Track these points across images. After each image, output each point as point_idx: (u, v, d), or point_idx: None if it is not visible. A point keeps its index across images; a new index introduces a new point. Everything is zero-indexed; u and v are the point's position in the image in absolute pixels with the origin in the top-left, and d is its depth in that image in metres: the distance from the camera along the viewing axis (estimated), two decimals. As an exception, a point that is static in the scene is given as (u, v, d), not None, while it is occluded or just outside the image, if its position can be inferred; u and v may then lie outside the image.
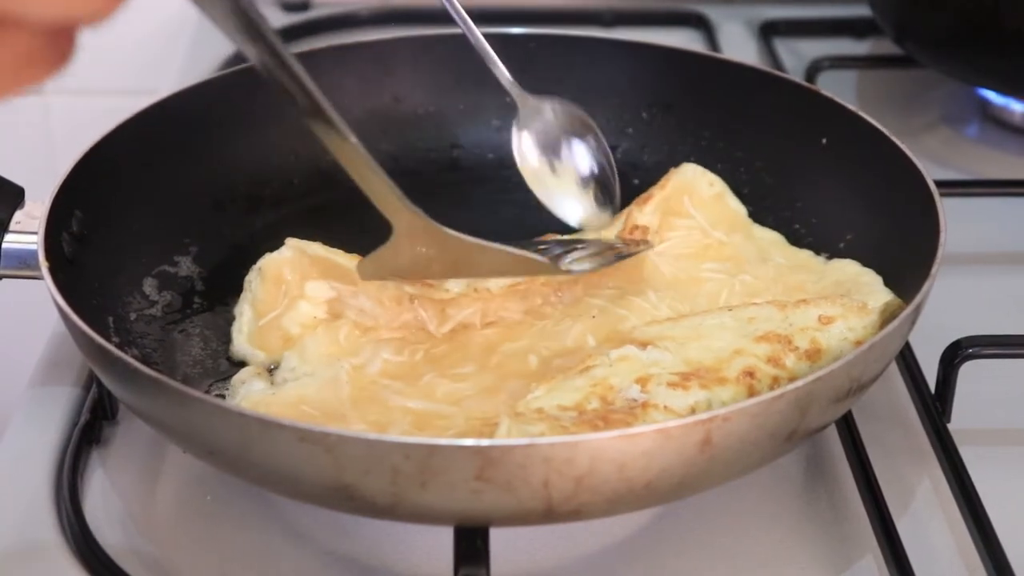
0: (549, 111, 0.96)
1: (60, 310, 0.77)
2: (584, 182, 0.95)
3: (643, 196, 0.95)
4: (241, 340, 0.86)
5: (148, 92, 1.00)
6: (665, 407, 0.75)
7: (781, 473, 0.83)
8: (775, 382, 0.78)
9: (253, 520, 0.80)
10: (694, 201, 0.95)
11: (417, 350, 0.84)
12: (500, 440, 0.67)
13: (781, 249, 0.95)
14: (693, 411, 0.75)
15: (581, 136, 0.96)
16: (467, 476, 0.67)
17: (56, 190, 0.86)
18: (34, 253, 0.81)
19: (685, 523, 0.80)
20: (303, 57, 1.04)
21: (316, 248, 0.88)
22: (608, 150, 0.96)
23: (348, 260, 0.87)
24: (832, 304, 0.83)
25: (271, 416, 0.69)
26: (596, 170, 0.95)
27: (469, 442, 0.67)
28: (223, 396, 0.83)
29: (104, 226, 0.89)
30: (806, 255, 0.94)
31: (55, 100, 1.43)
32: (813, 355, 0.80)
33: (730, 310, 0.84)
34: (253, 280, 0.89)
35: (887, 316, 0.82)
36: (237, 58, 1.25)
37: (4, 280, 0.85)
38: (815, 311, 0.83)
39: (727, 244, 0.93)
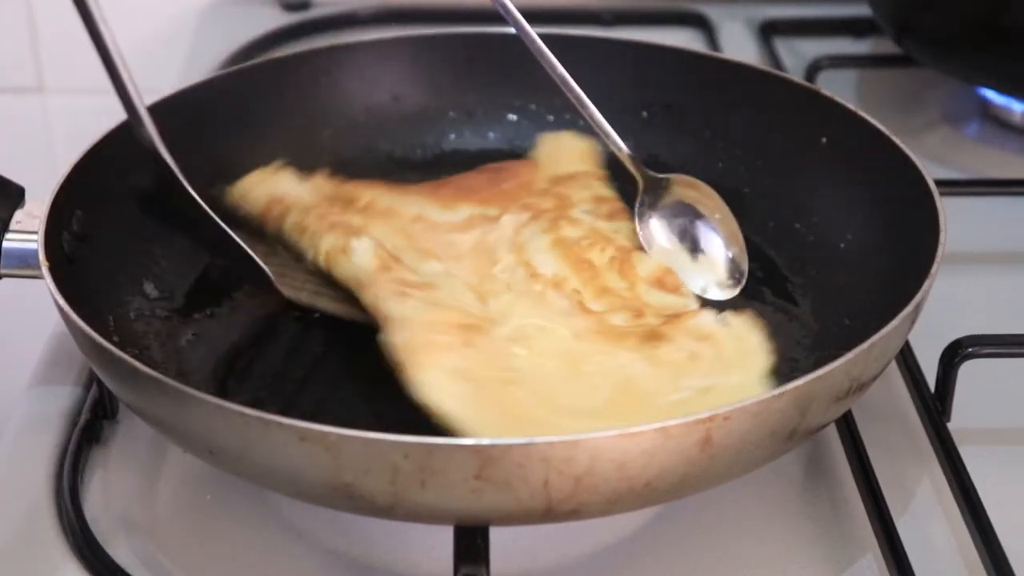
0: (672, 189, 0.95)
1: (60, 309, 0.77)
2: (714, 260, 0.93)
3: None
4: None
5: (149, 91, 1.00)
6: None
7: (781, 473, 0.83)
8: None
9: (253, 520, 0.81)
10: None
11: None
12: (499, 439, 0.67)
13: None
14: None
15: (707, 215, 0.94)
16: (466, 475, 0.67)
17: (56, 189, 0.86)
18: (34, 252, 0.81)
19: (685, 523, 0.80)
20: (303, 57, 1.05)
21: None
22: (734, 220, 0.94)
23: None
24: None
25: (271, 415, 0.69)
26: (727, 250, 0.93)
27: (468, 441, 0.67)
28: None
29: (105, 225, 0.89)
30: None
31: (55, 99, 1.43)
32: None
33: None
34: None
35: None
36: (238, 57, 1.26)
37: (4, 280, 0.85)
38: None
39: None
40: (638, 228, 0.94)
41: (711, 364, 0.81)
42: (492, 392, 0.78)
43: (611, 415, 0.78)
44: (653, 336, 0.83)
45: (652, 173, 0.95)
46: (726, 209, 0.94)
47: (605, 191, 0.98)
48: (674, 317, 0.84)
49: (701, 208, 0.94)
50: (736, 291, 0.92)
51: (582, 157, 1.01)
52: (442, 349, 0.79)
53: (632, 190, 0.98)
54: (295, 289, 0.89)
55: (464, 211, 0.96)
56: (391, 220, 0.95)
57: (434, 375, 0.78)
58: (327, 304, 0.89)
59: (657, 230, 0.94)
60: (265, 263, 0.88)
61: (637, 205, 0.95)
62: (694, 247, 0.93)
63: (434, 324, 0.81)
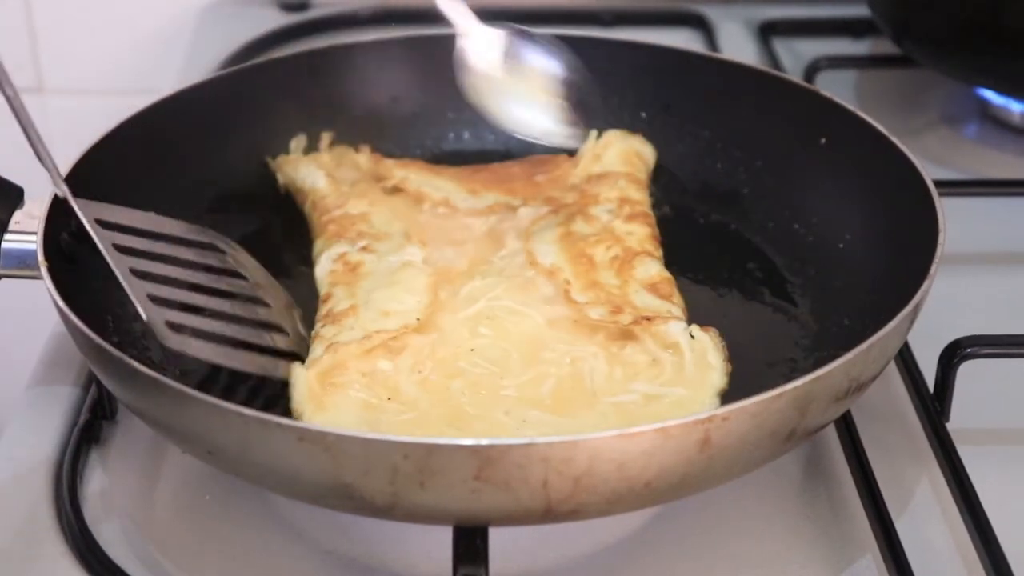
0: (501, 29, 0.90)
1: (60, 310, 0.77)
2: (553, 88, 0.88)
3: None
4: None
5: (148, 92, 1.00)
6: None
7: (781, 473, 0.83)
8: None
9: (253, 520, 0.81)
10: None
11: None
12: (499, 440, 0.67)
13: None
14: None
15: (547, 45, 0.90)
16: (466, 476, 0.67)
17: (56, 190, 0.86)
18: (33, 253, 0.81)
19: (684, 523, 0.80)
20: (303, 57, 1.05)
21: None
22: (583, 67, 0.89)
23: None
24: None
25: (270, 416, 0.69)
26: (568, 74, 0.88)
27: (468, 442, 0.67)
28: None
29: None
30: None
31: (54, 100, 1.43)
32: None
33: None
34: None
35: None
36: (237, 58, 1.25)
37: (4, 280, 0.85)
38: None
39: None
40: (457, 72, 0.90)
41: (668, 373, 0.82)
42: (404, 404, 0.79)
43: (550, 407, 0.79)
44: (623, 335, 0.84)
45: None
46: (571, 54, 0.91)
47: (635, 193, 0.98)
48: (646, 319, 0.84)
49: (532, 38, 0.91)
50: (591, 135, 0.91)
51: (624, 157, 1.01)
52: (336, 392, 0.79)
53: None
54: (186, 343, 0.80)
55: (489, 198, 0.98)
56: (404, 203, 0.97)
57: (325, 420, 0.78)
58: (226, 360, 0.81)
59: (481, 53, 0.90)
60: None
61: (456, 52, 0.91)
62: (525, 71, 0.89)
63: (328, 371, 0.80)
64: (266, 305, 0.86)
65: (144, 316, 0.78)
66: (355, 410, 0.78)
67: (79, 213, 0.82)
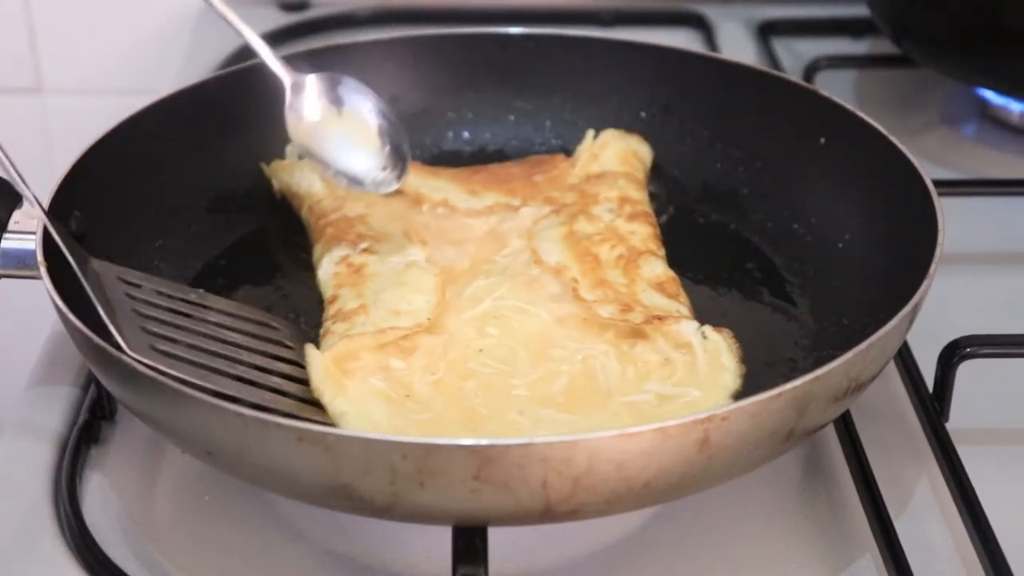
0: (325, 78, 0.94)
1: (59, 310, 0.77)
2: (375, 133, 0.92)
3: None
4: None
5: (147, 92, 1.00)
6: None
7: (780, 473, 0.83)
8: None
9: (252, 520, 0.81)
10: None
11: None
12: (498, 440, 0.67)
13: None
14: None
15: (362, 93, 0.93)
16: (465, 476, 0.67)
17: (55, 190, 0.86)
18: (33, 253, 0.81)
19: (684, 523, 0.80)
20: (302, 57, 1.05)
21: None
22: (391, 114, 0.93)
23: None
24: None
25: (269, 416, 0.69)
26: (385, 122, 0.92)
27: (467, 442, 0.67)
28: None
29: (102, 226, 0.89)
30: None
31: (53, 100, 1.43)
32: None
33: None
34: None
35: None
36: (236, 58, 1.25)
37: (3, 280, 0.85)
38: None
39: None
40: (287, 119, 0.92)
41: (681, 373, 0.81)
42: (420, 404, 0.79)
43: (562, 405, 0.79)
44: (634, 333, 0.84)
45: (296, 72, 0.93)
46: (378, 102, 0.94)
47: (634, 193, 0.98)
48: (657, 318, 0.84)
49: (354, 89, 0.94)
50: (397, 177, 0.92)
51: (622, 157, 1.01)
52: (355, 377, 0.79)
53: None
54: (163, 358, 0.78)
55: (489, 199, 0.98)
56: (402, 204, 0.97)
57: (344, 405, 0.78)
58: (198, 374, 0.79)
59: (308, 101, 0.93)
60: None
61: (286, 103, 0.93)
62: (351, 113, 0.92)
63: (343, 356, 0.80)
64: (300, 369, 0.82)
65: (109, 325, 0.77)
66: (378, 401, 0.78)
67: (53, 233, 0.81)
